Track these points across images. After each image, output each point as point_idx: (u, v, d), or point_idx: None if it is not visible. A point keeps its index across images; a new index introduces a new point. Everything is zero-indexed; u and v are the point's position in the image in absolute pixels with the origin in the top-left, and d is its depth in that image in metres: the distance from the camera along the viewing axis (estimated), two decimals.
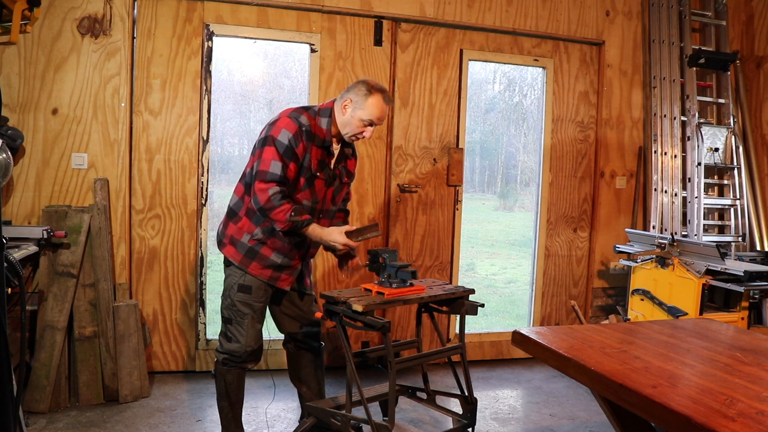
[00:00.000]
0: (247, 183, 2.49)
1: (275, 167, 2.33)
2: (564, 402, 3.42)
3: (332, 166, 2.55)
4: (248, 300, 2.49)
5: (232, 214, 2.54)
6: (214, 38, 3.48)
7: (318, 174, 2.48)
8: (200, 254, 3.53)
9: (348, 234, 2.43)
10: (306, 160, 2.42)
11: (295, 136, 2.37)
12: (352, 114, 2.44)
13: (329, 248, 2.49)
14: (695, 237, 3.88)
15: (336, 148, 2.55)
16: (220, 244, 2.56)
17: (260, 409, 3.11)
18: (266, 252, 2.47)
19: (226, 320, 2.53)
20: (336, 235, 2.41)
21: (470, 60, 3.92)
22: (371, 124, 2.47)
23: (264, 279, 2.50)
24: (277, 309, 2.69)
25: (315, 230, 2.41)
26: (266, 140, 2.37)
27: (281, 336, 2.79)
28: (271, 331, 2.80)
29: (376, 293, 2.42)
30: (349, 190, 2.75)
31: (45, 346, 2.98)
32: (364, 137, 2.50)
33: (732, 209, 4.18)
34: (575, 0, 4.01)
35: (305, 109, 2.48)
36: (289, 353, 2.78)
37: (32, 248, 2.80)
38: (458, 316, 2.65)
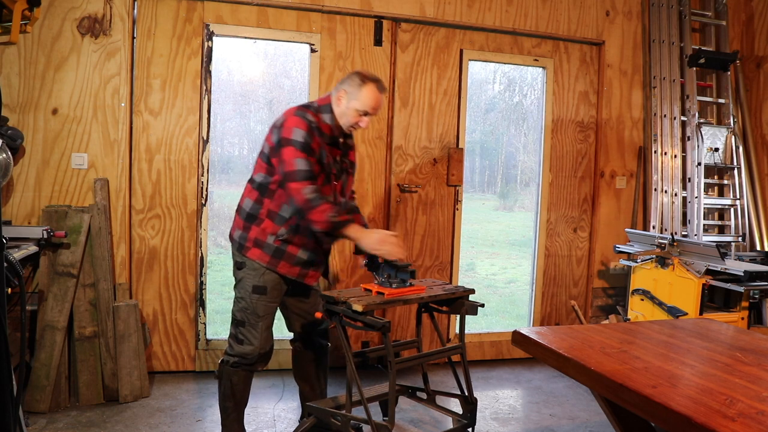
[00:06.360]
0: (261, 185, 2.48)
1: (301, 164, 2.32)
2: (564, 402, 3.42)
3: (339, 159, 2.56)
4: (263, 301, 2.50)
5: (251, 219, 2.50)
6: (214, 38, 3.48)
7: (332, 169, 2.50)
8: (200, 254, 3.53)
9: None
10: (323, 156, 2.43)
11: (308, 132, 2.36)
12: (347, 105, 2.45)
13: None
14: (695, 237, 3.88)
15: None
16: (243, 249, 2.50)
17: (260, 409, 3.11)
18: (293, 250, 2.48)
19: (238, 323, 2.51)
20: (380, 236, 2.35)
21: (470, 60, 3.92)
22: (366, 113, 2.47)
23: (293, 276, 2.51)
24: (289, 308, 2.71)
25: (355, 230, 2.36)
26: (281, 142, 2.36)
27: (284, 336, 2.79)
28: (275, 330, 2.80)
29: (376, 293, 2.42)
30: (352, 185, 2.75)
31: (45, 346, 2.98)
32: (360, 127, 2.51)
33: (732, 209, 4.18)
34: (575, 0, 4.01)
35: (307, 107, 2.49)
36: (295, 351, 2.79)
37: (32, 248, 2.81)
38: (458, 316, 2.65)
